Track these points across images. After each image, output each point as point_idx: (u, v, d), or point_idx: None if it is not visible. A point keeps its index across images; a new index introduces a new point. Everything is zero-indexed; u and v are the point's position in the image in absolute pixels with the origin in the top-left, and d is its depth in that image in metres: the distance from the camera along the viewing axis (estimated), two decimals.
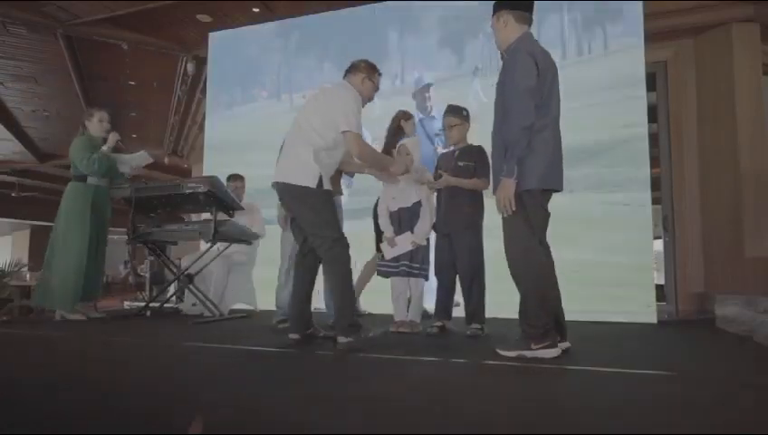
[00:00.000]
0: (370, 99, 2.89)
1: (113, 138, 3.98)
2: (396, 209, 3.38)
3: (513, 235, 2.38)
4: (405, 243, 3.30)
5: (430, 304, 3.52)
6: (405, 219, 3.35)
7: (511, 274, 2.41)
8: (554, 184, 2.39)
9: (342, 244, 2.65)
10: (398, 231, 3.35)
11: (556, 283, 2.47)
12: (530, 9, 2.49)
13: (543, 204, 2.42)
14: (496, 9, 2.50)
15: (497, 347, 2.40)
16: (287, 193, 2.69)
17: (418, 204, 3.34)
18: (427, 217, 3.32)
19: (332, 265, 2.64)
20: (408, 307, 3.39)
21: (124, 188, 4.10)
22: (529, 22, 2.48)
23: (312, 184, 2.61)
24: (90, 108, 4.26)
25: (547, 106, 2.35)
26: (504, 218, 2.41)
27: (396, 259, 3.33)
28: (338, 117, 2.62)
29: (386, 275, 3.38)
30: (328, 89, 2.80)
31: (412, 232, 3.30)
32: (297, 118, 2.78)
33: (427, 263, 3.38)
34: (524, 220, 2.34)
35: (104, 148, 3.94)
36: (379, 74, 2.90)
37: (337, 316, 2.63)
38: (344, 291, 2.64)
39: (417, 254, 3.32)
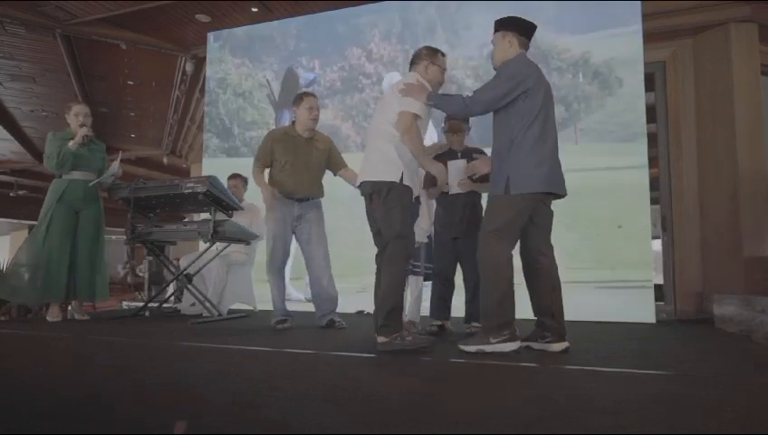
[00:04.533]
0: (440, 82, 2.78)
1: (81, 133, 3.90)
2: None
3: (491, 229, 2.48)
4: None
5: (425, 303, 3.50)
6: None
7: (477, 262, 2.51)
8: (557, 188, 2.52)
9: (401, 243, 2.54)
10: None
11: (558, 282, 2.55)
12: (531, 37, 2.66)
13: (543, 205, 2.55)
14: (504, 27, 2.62)
15: (459, 343, 2.47)
16: (371, 190, 2.61)
17: (418, 199, 3.33)
18: (426, 214, 3.31)
19: (386, 265, 2.57)
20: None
21: (122, 187, 4.08)
22: (527, 48, 2.65)
23: (396, 178, 2.56)
24: (69, 102, 4.17)
25: (545, 118, 2.49)
26: (486, 215, 2.55)
27: None
28: (399, 102, 2.59)
29: None
30: (394, 84, 2.75)
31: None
32: (372, 120, 2.80)
33: (431, 261, 3.37)
34: (509, 221, 2.46)
35: (70, 144, 3.88)
36: (443, 55, 2.81)
37: (376, 314, 2.57)
38: (389, 291, 2.52)
39: (421, 252, 3.31)
